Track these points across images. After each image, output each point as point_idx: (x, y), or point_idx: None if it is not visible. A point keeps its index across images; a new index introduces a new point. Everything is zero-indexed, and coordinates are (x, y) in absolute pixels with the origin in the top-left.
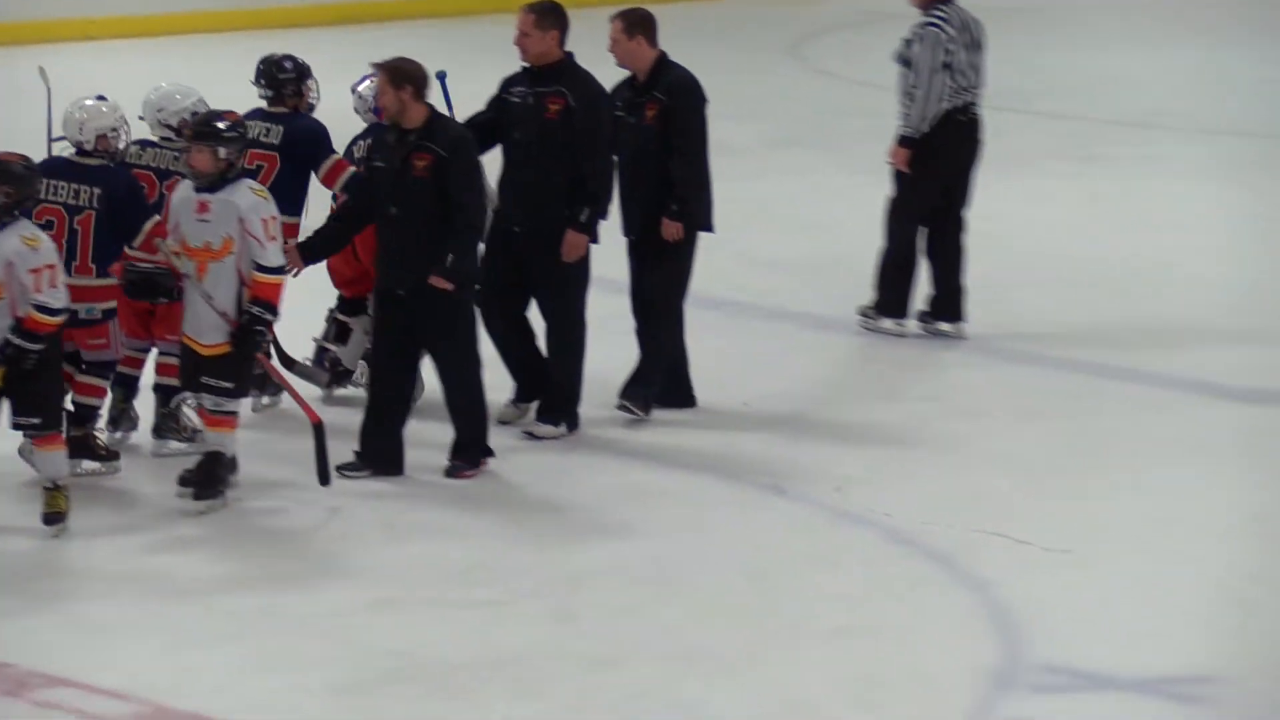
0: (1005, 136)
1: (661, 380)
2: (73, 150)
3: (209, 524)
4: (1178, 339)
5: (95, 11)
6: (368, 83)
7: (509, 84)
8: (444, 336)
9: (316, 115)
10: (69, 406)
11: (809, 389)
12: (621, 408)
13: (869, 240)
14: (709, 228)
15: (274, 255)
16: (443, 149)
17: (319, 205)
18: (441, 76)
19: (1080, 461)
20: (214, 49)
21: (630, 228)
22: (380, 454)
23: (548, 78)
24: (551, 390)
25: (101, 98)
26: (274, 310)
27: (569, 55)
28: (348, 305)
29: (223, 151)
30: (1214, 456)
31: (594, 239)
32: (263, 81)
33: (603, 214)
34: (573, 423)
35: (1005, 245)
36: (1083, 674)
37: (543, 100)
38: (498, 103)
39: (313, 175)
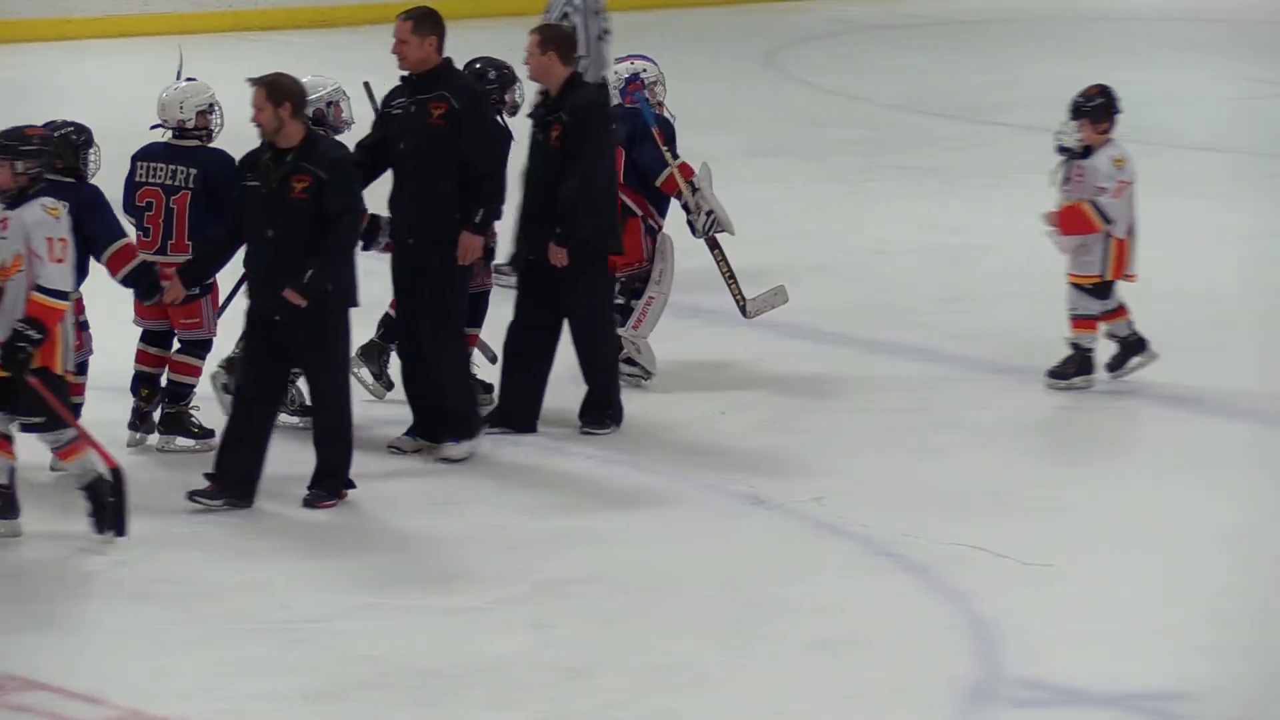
0: (984, 148)
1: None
2: (169, 134)
3: (184, 529)
4: (1162, 353)
5: (74, 12)
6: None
7: (391, 97)
8: (315, 359)
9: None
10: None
11: (787, 398)
12: (586, 432)
13: (843, 248)
14: (617, 249)
15: (54, 276)
16: (321, 169)
17: None
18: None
19: (1060, 475)
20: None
21: (531, 247)
22: (235, 482)
23: (428, 84)
24: (446, 409)
25: (192, 79)
26: (42, 330)
27: (447, 60)
28: None
29: (20, 166)
30: (1193, 471)
31: (491, 243)
32: None
33: (496, 214)
34: (473, 433)
35: (984, 257)
36: (1061, 689)
37: (425, 106)
38: (383, 119)
39: None
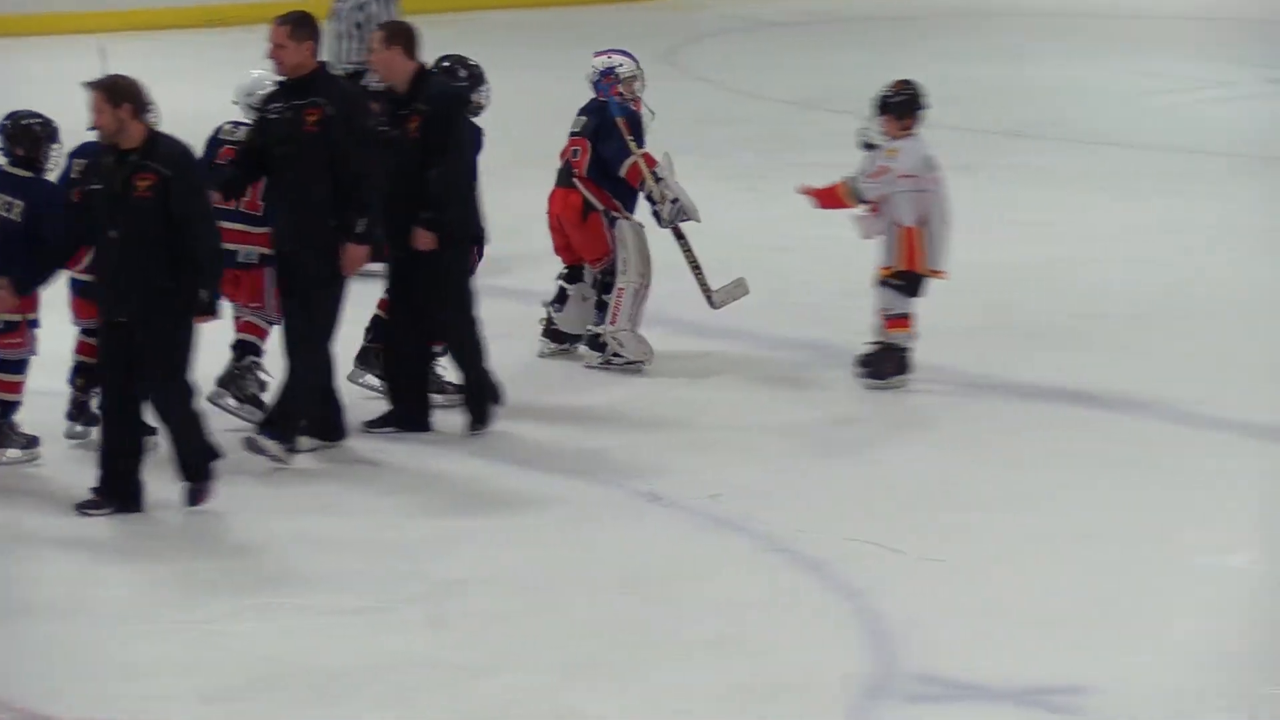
0: None
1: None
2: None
3: (76, 531)
4: (1061, 349)
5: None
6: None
7: (267, 103)
8: (161, 364)
9: None
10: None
11: (686, 394)
12: (474, 430)
13: (744, 245)
14: (479, 239)
15: None
16: (165, 167)
17: None
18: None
19: (955, 471)
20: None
21: (395, 243)
22: (119, 491)
23: (303, 89)
24: (277, 405)
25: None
26: None
27: (323, 65)
28: (568, 272)
29: None
30: (1090, 468)
31: (378, 252)
32: None
33: (377, 221)
34: (291, 442)
35: None
36: (957, 684)
37: (300, 113)
38: (259, 125)
39: None
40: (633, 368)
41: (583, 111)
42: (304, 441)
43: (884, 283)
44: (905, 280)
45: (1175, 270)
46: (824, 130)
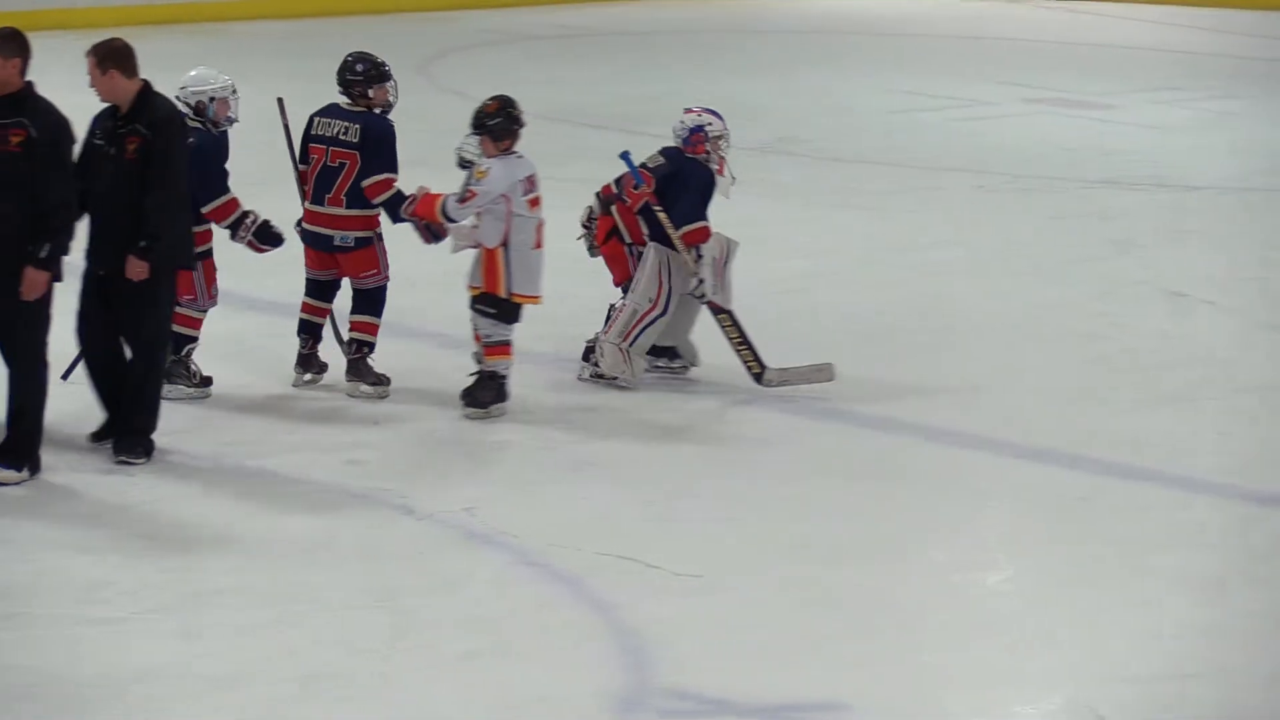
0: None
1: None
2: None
3: None
4: (806, 362)
5: None
6: None
7: None
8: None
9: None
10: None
11: (438, 409)
12: (121, 461)
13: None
14: (189, 265)
15: None
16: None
17: None
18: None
19: (711, 486)
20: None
21: (101, 262)
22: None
23: (8, 108)
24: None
25: None
26: None
27: (29, 84)
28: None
29: None
30: (843, 481)
31: (57, 276)
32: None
33: (64, 249)
34: (35, 466)
35: None
36: (709, 699)
37: (4, 132)
38: None
39: None
40: (609, 381)
41: (663, 152)
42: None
43: (473, 305)
44: (496, 306)
45: (922, 287)
46: (573, 145)
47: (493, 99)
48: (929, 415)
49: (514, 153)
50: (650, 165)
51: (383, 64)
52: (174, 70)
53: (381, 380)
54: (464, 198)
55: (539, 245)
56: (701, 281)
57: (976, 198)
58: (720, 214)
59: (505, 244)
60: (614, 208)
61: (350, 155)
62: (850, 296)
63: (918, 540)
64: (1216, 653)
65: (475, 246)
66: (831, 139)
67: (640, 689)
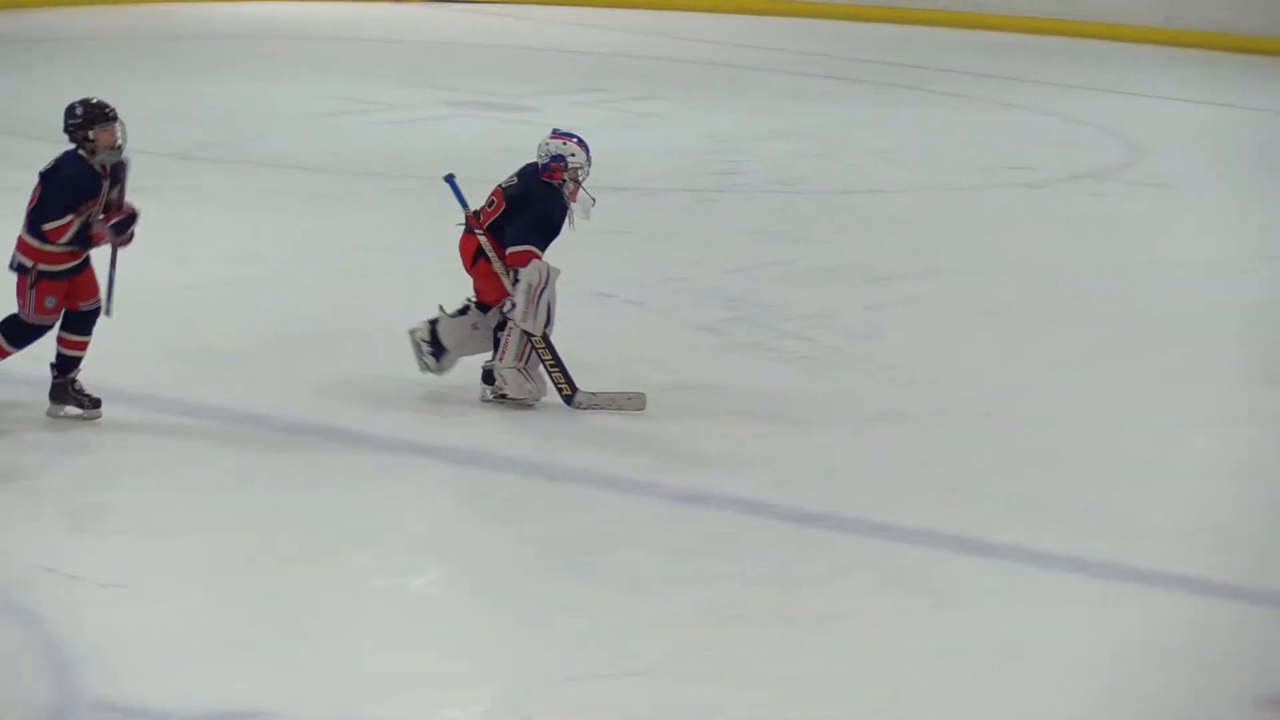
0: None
1: None
2: None
3: None
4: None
5: None
6: None
7: None
8: None
9: None
10: None
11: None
12: None
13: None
14: None
15: None
16: None
17: None
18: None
19: (133, 497)
20: None
21: None
22: None
23: None
24: None
25: None
26: None
27: None
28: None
29: None
30: (266, 494)
31: None
32: None
33: None
34: None
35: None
36: (136, 710)
37: None
38: None
39: None
40: (516, 404)
41: (521, 171)
42: None
43: None
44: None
45: (344, 289)
46: None
47: None
48: (333, 417)
49: None
50: (504, 185)
51: None
52: None
53: None
54: None
55: None
56: (514, 306)
57: (394, 201)
58: (148, 222)
59: None
60: (475, 230)
61: None
62: (277, 299)
63: (342, 545)
64: (650, 651)
65: None
66: (245, 144)
67: (67, 702)
